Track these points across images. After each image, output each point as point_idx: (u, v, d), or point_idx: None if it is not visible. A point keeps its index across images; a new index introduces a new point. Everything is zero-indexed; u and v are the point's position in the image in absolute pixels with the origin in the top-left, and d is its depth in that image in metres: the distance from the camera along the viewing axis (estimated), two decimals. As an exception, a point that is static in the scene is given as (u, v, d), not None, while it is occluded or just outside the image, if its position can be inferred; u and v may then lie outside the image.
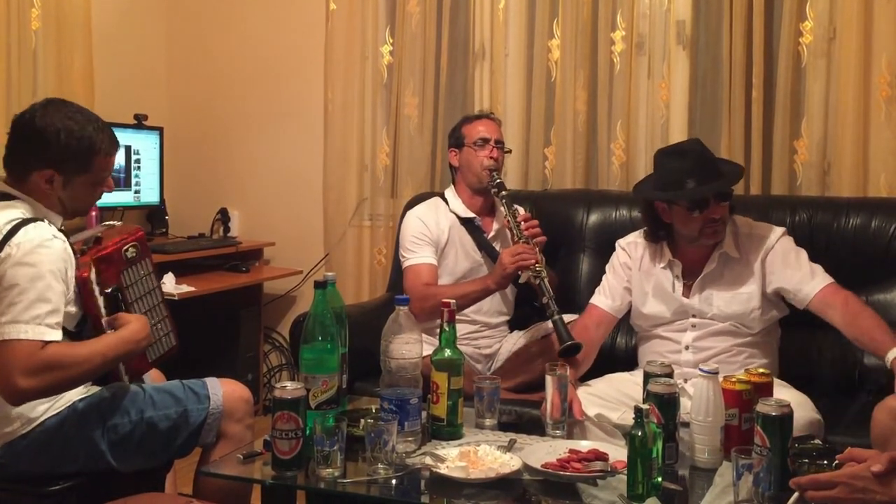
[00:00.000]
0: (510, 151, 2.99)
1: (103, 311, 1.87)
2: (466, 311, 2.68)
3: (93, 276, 1.85)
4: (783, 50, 2.99)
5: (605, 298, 2.49)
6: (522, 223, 2.64)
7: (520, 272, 2.56)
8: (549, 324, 2.67)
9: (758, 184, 3.04)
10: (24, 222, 1.76)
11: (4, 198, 1.83)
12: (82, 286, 1.82)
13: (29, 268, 1.70)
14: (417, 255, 2.77)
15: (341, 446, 1.69)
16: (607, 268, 2.54)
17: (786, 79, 2.98)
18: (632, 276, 2.46)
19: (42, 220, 1.80)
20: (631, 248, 2.49)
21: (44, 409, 1.82)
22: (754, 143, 3.03)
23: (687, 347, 2.35)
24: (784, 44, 2.98)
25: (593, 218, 3.00)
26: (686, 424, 1.83)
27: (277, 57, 3.81)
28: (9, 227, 1.74)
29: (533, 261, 2.53)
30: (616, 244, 2.55)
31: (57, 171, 1.84)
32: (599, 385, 2.31)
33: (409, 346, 1.90)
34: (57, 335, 1.71)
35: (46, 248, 1.74)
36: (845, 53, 2.89)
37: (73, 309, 1.81)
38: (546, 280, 2.53)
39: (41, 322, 1.68)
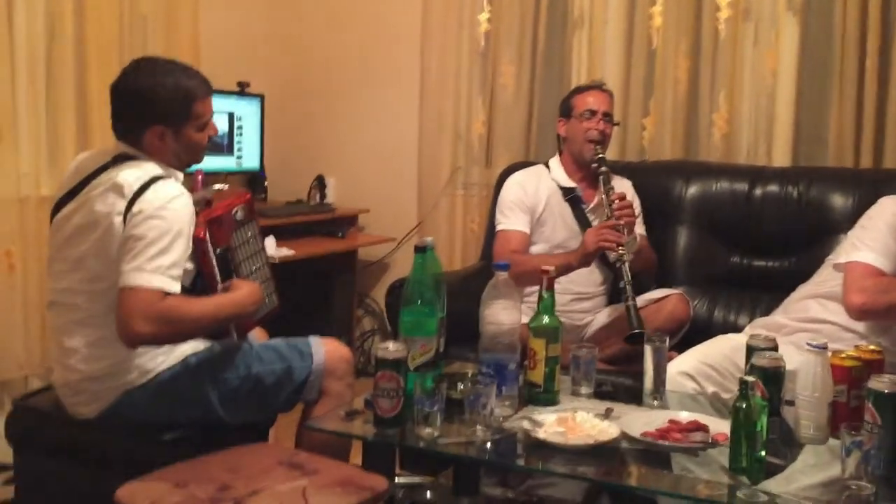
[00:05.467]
0: (618, 124, 2.95)
1: (216, 270, 1.94)
2: (562, 280, 2.67)
3: (207, 235, 1.91)
4: (902, 16, 2.85)
5: (881, 258, 2.14)
6: (616, 202, 2.62)
7: (603, 252, 2.56)
8: (647, 296, 2.66)
9: (869, 157, 2.92)
10: (154, 179, 1.83)
11: (128, 158, 1.90)
12: (199, 245, 1.88)
13: (159, 221, 1.77)
14: (510, 220, 2.78)
15: (441, 407, 1.72)
16: (883, 225, 2.20)
17: (904, 46, 2.85)
18: None
19: (170, 178, 1.88)
20: None
21: (159, 362, 1.91)
22: (866, 114, 2.91)
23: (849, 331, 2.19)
24: (903, 9, 2.85)
25: (692, 190, 2.95)
26: (791, 402, 1.79)
27: (375, 26, 3.84)
28: (139, 183, 1.81)
29: (616, 243, 2.51)
30: (892, 200, 2.24)
31: (166, 126, 1.90)
32: (711, 352, 2.25)
33: (507, 312, 1.91)
34: (176, 287, 1.78)
35: (176, 204, 1.81)
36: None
37: (189, 265, 1.88)
38: (626, 265, 2.52)
39: (164, 273, 1.75)
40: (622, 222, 2.57)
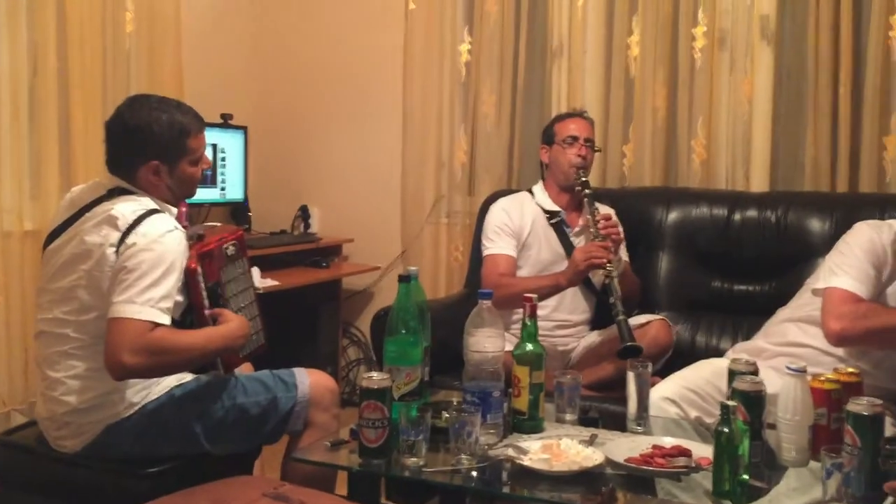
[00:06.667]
0: (600, 150, 3.00)
1: (206, 302, 1.94)
2: (546, 307, 2.69)
3: (198, 267, 1.92)
4: (872, 44, 2.91)
5: (858, 284, 2.14)
6: (601, 222, 2.67)
7: (592, 271, 2.61)
8: (630, 322, 2.67)
9: (845, 181, 2.97)
10: (149, 213, 1.85)
11: (124, 192, 1.92)
12: (190, 277, 1.90)
13: (151, 254, 1.79)
14: (497, 244, 2.82)
15: (426, 436, 1.73)
16: (859, 250, 2.20)
17: (875, 73, 2.90)
18: (884, 272, 2.20)
19: (164, 213, 1.90)
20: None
21: (143, 395, 1.91)
22: (841, 139, 2.96)
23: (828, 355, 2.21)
24: (873, 37, 2.90)
25: (673, 216, 2.98)
26: (772, 426, 1.81)
27: (357, 56, 3.88)
28: (134, 216, 1.83)
29: (605, 260, 2.55)
30: (868, 226, 2.27)
31: (161, 162, 1.92)
32: (693, 377, 2.27)
33: (492, 340, 1.92)
34: (166, 319, 1.79)
35: (169, 238, 1.82)
36: (939, 46, 2.80)
37: (179, 298, 1.89)
38: (616, 280, 2.56)
39: (154, 305, 1.76)
40: (609, 242, 2.61)
